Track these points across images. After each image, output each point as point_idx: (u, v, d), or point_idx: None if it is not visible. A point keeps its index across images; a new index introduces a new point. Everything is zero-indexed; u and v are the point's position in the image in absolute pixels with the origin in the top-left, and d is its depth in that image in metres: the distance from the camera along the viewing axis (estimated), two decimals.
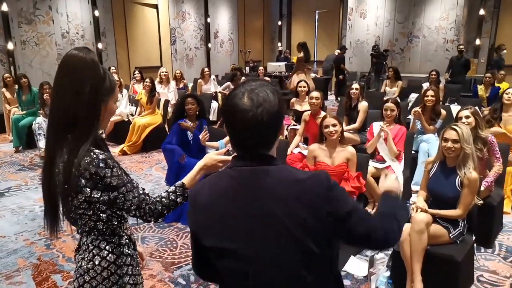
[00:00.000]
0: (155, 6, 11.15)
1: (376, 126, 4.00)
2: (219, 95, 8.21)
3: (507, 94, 4.33)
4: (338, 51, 11.51)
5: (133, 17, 10.74)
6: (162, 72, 7.28)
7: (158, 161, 5.88)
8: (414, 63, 11.20)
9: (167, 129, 6.09)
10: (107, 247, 1.35)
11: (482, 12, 10.25)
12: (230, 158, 1.48)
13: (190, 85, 9.01)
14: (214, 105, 7.75)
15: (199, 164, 1.49)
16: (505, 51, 8.21)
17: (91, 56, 1.28)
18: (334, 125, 3.14)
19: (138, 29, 10.90)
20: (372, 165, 3.75)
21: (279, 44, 14.94)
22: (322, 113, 4.19)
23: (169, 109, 6.86)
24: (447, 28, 10.45)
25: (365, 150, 4.01)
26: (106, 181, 1.24)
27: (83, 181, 1.23)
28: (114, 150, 6.26)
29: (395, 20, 11.32)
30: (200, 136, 3.55)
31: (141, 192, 1.34)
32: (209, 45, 12.58)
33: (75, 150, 1.23)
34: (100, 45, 9.84)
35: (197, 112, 4.18)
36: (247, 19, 14.07)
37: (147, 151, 6.33)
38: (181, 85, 8.32)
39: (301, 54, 7.93)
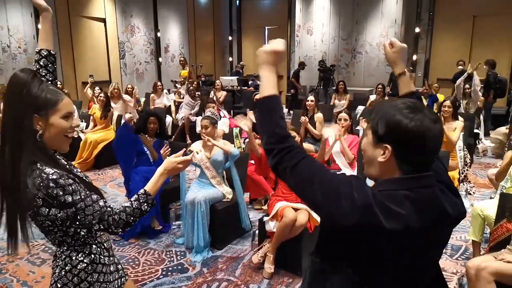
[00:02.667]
0: (103, 20, 10.90)
1: (331, 136, 4.22)
2: (173, 106, 8.17)
3: (444, 107, 4.71)
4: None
5: (80, 31, 10.42)
6: (114, 89, 7.11)
7: (113, 178, 5.72)
8: (358, 77, 11.82)
9: None
10: (78, 256, 1.39)
11: (417, 29, 11.10)
12: (189, 157, 1.52)
13: (142, 99, 8.87)
14: (169, 119, 7.69)
15: (159, 169, 1.50)
16: (460, 67, 8.88)
17: (21, 76, 1.31)
18: (293, 137, 3.27)
19: (85, 43, 10.57)
20: None
21: (230, 58, 15.14)
22: None
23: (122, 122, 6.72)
24: None
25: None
26: (60, 200, 1.26)
27: (39, 201, 1.25)
28: None
29: (339, 37, 11.92)
30: (162, 151, 3.56)
31: (102, 204, 1.34)
32: (160, 59, 12.48)
33: (19, 170, 1.25)
34: None
35: (157, 130, 4.27)
36: (198, 34, 14.14)
37: (100, 168, 6.12)
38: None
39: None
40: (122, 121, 6.69)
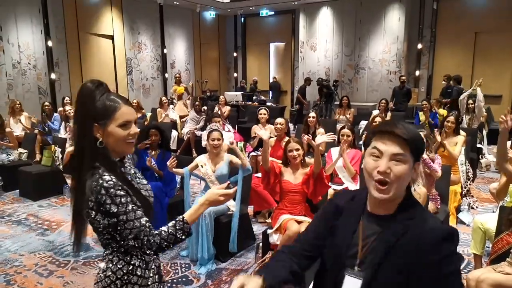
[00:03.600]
0: (111, 37, 11.16)
1: (334, 151, 4.29)
2: (178, 120, 8.29)
3: (447, 122, 4.78)
4: (275, 79, 13.16)
5: (88, 47, 10.67)
6: None
7: None
8: (361, 93, 11.93)
9: None
10: (117, 264, 1.44)
11: (420, 46, 11.25)
12: (231, 191, 1.49)
13: (149, 114, 9.02)
14: (174, 134, 7.81)
15: (201, 199, 1.51)
16: (444, 82, 9.15)
17: (87, 86, 1.40)
18: (297, 150, 3.35)
19: (93, 59, 10.81)
20: (332, 187, 3.99)
21: (235, 74, 15.38)
22: (287, 138, 4.45)
23: None
24: (389, 61, 11.32)
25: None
26: (106, 207, 1.32)
27: (91, 204, 1.34)
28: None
29: (342, 53, 12.09)
30: (168, 163, 3.64)
31: (143, 223, 1.36)
32: (166, 75, 12.69)
33: (81, 172, 1.36)
34: (53, 76, 9.65)
35: (159, 142, 4.35)
36: (203, 50, 14.40)
37: None
38: (139, 115, 8.32)
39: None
40: None
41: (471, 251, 3.29)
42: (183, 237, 1.41)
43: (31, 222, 4.66)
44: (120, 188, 1.35)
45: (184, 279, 3.36)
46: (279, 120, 4.93)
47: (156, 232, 1.39)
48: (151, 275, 1.51)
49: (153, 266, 1.52)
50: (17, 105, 7.19)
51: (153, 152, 4.31)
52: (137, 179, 1.53)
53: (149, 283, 1.50)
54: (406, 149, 1.17)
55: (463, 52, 10.87)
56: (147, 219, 1.40)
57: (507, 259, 2.52)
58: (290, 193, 3.38)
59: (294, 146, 3.35)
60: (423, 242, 1.14)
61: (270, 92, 13.30)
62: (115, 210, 1.32)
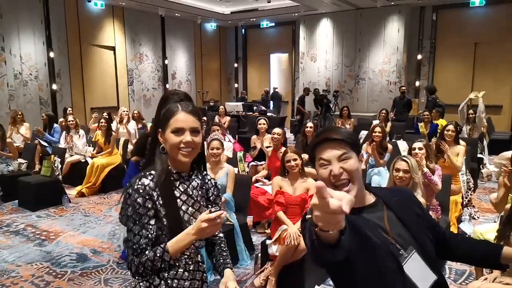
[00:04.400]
0: (112, 48, 11.25)
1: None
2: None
3: (447, 131, 4.76)
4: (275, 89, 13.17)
5: (90, 58, 10.75)
6: (123, 111, 7.29)
7: (118, 202, 5.77)
8: (362, 103, 11.96)
9: (126, 169, 6.03)
10: (138, 278, 1.39)
11: (419, 56, 11.30)
12: (213, 215, 1.29)
13: (149, 125, 9.03)
14: None
15: (187, 229, 1.33)
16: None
17: (165, 92, 1.52)
18: (294, 159, 3.34)
19: (94, 70, 10.89)
20: None
21: (236, 85, 15.46)
22: (284, 149, 4.43)
23: (129, 149, 6.83)
24: (389, 71, 11.36)
25: None
26: (124, 205, 1.37)
27: (125, 194, 1.39)
28: (71, 192, 6.08)
29: (343, 64, 12.15)
30: None
31: (141, 243, 1.32)
32: (167, 85, 12.77)
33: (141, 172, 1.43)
34: (54, 86, 9.70)
35: None
36: (204, 61, 14.50)
37: (106, 192, 6.19)
38: (139, 125, 8.34)
39: None
40: (129, 146, 6.81)
41: None
42: (163, 266, 1.31)
43: (29, 233, 4.63)
44: (147, 198, 1.34)
45: None
46: (276, 130, 4.90)
47: (140, 253, 1.32)
48: None
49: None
50: (18, 115, 7.22)
51: None
52: (196, 204, 1.45)
53: None
54: (346, 147, 1.27)
55: (463, 62, 10.91)
56: (148, 241, 1.33)
57: (507, 269, 2.49)
58: (289, 205, 3.35)
59: (291, 156, 3.34)
60: (411, 199, 1.44)
61: (271, 102, 13.36)
62: (129, 213, 1.34)
